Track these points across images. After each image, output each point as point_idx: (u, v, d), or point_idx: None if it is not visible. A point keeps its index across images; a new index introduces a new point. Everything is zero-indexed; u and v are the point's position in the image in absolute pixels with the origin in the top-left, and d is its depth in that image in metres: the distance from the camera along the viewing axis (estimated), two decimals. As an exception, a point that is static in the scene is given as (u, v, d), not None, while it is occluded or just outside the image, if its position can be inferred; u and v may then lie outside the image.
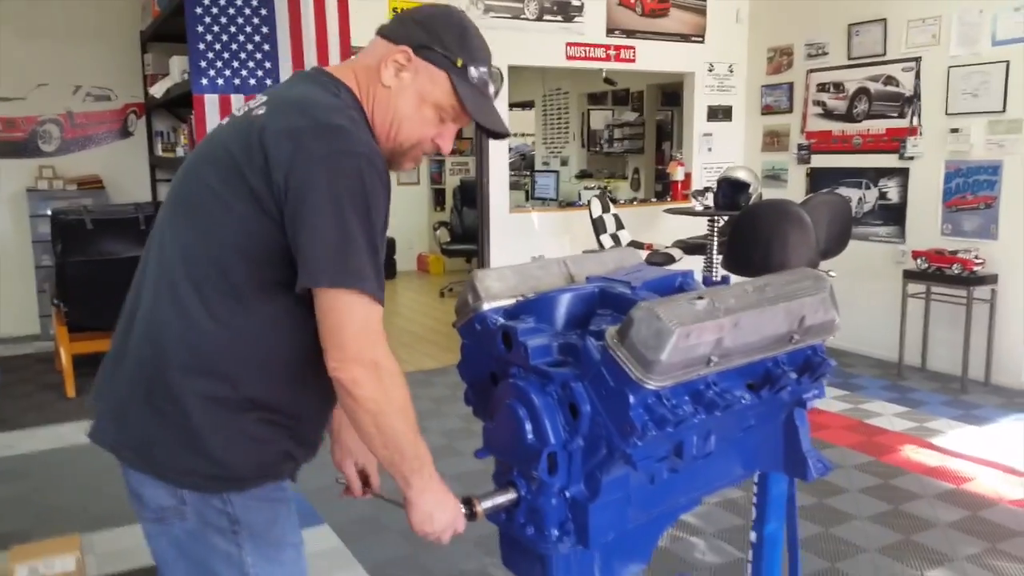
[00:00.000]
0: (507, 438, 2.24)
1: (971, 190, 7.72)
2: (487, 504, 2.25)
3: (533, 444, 2.16)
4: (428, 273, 13.75)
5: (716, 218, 7.71)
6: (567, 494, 2.19)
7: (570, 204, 10.22)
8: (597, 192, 9.66)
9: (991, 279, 7.60)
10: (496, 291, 2.45)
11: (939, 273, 7.70)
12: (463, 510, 2.18)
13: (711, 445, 2.25)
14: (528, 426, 2.16)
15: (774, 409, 2.53)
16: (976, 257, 7.48)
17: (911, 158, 8.25)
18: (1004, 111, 7.31)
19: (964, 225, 7.86)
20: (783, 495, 2.91)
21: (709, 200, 7.85)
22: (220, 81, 5.98)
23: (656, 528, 2.44)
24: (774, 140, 9.67)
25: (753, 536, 2.92)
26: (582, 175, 13.02)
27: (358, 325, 1.78)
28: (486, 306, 2.42)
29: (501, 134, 2.19)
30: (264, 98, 1.87)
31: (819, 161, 9.22)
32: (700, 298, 2.06)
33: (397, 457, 1.91)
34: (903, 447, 6.14)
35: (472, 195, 10.83)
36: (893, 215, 8.56)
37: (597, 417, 2.09)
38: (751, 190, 7.48)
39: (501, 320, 2.37)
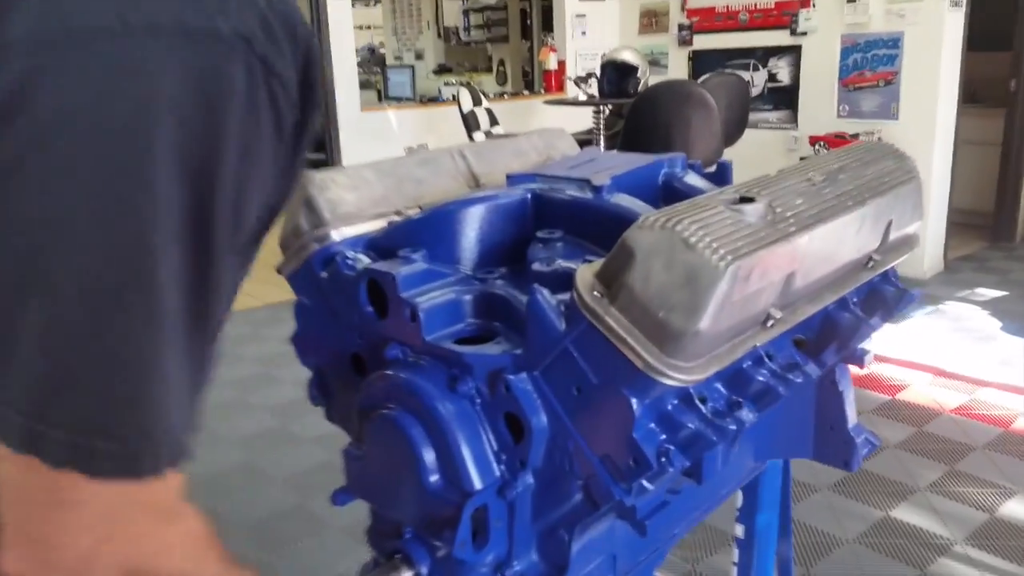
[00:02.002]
0: (390, 477, 1.22)
1: (870, 66, 7.09)
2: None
3: (440, 491, 1.15)
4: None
5: (601, 108, 6.76)
6: (508, 577, 1.21)
7: (432, 100, 9.00)
8: (463, 84, 8.50)
9: (896, 163, 7.03)
10: (351, 207, 1.38)
11: (836, 159, 7.09)
12: None
13: (737, 447, 1.32)
14: (429, 457, 1.15)
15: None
16: (878, 139, 6.90)
17: (804, 34, 7.53)
18: (905, -24, 6.64)
19: (863, 105, 7.25)
20: (779, 476, 2.05)
21: (593, 88, 6.87)
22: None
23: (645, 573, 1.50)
24: (652, 21, 8.72)
25: (740, 530, 2.06)
26: (441, 70, 11.73)
27: None
28: (335, 234, 1.35)
29: None
30: None
31: (702, 42, 8.37)
32: (745, 199, 1.07)
33: None
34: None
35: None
36: (785, 98, 7.88)
37: (561, 437, 1.10)
38: (639, 74, 6.56)
39: (364, 259, 1.31)
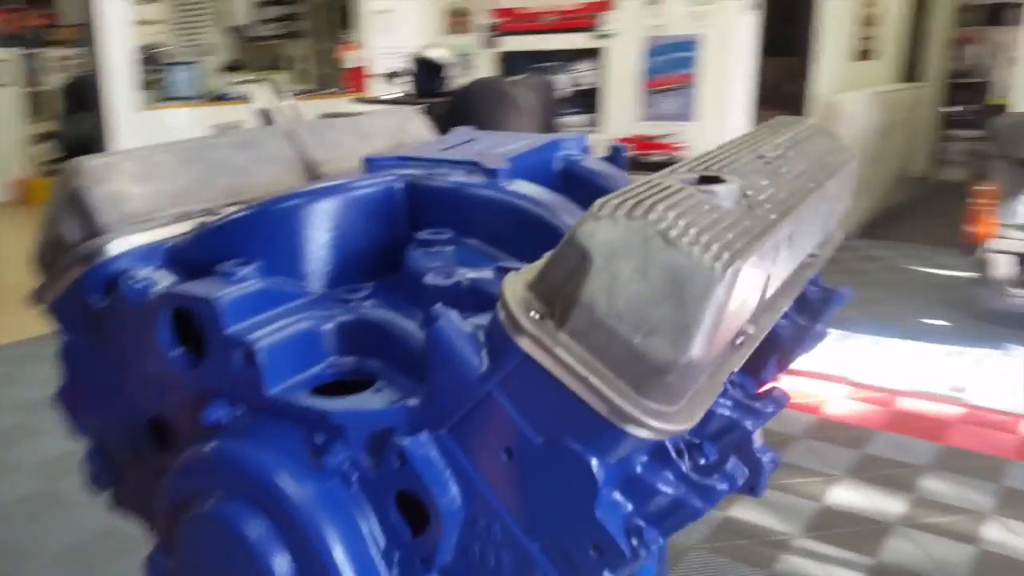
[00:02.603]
0: (223, 596, 0.83)
1: (669, 69, 7.24)
2: None
3: (303, 614, 0.78)
4: (30, 204, 10.69)
5: (415, 106, 6.42)
6: None
7: (220, 98, 8.26)
8: (260, 81, 7.85)
9: (696, 162, 7.23)
10: (141, 204, 0.98)
11: (641, 161, 7.20)
12: None
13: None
14: (281, 569, 0.78)
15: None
16: (677, 141, 7.05)
17: (607, 36, 7.58)
18: (693, -21, 6.83)
19: (663, 107, 7.39)
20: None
21: (406, 85, 6.52)
22: None
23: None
24: (459, 20, 8.50)
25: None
26: (231, 68, 10.88)
27: None
28: (117, 244, 0.94)
29: None
30: None
31: (508, 43, 8.25)
32: (708, 179, 0.79)
33: None
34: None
35: (88, 96, 8.39)
36: (590, 101, 7.90)
37: (484, 520, 0.77)
38: (450, 72, 6.28)
39: (164, 279, 0.92)
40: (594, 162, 1.15)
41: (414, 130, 1.39)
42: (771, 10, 7.50)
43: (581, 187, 1.06)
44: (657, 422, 0.66)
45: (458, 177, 0.98)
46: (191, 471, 0.81)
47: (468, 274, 0.83)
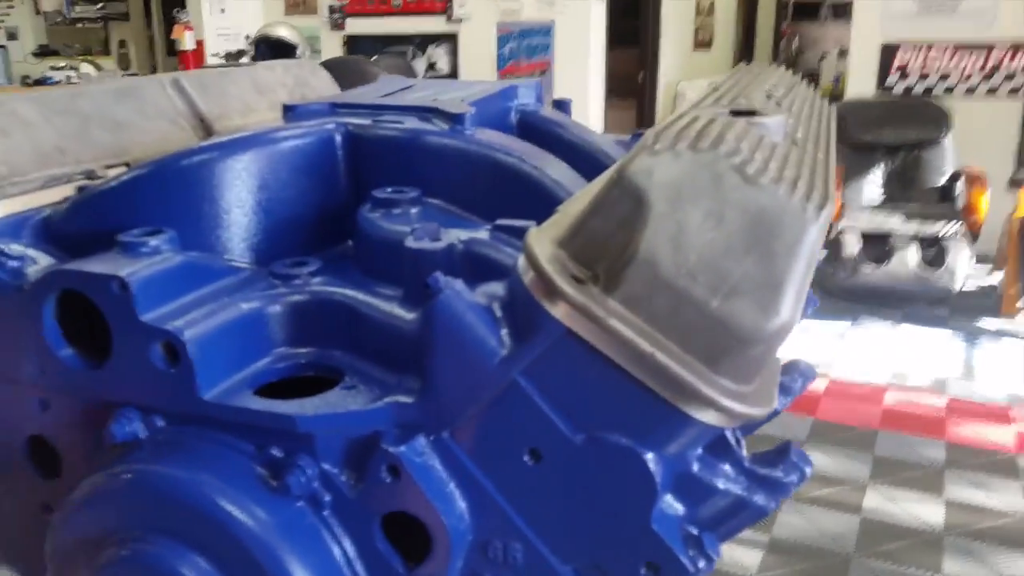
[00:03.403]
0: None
1: (525, 55, 7.19)
2: None
3: None
4: None
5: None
6: None
7: (40, 82, 7.44)
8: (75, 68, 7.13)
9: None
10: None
11: (498, 147, 7.10)
12: None
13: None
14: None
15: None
16: (535, 127, 7.01)
17: (460, 20, 7.43)
18: (553, -35, 6.80)
19: (519, 94, 7.34)
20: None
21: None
22: None
23: None
24: (300, 1, 8.09)
25: None
26: (44, 52, 9.86)
27: None
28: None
29: None
30: None
31: (356, 26, 7.92)
32: (744, 112, 0.66)
33: None
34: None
35: None
36: (443, 86, 7.74)
37: (499, 541, 0.61)
38: (299, 52, 5.93)
39: (40, 258, 0.70)
40: (552, 112, 1.01)
41: (319, 85, 1.20)
42: (614, 2, 7.60)
43: (541, 140, 0.91)
44: (737, 404, 0.53)
45: (412, 124, 0.81)
46: (98, 504, 0.61)
47: (460, 235, 0.67)
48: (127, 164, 0.85)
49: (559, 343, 0.55)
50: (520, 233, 0.67)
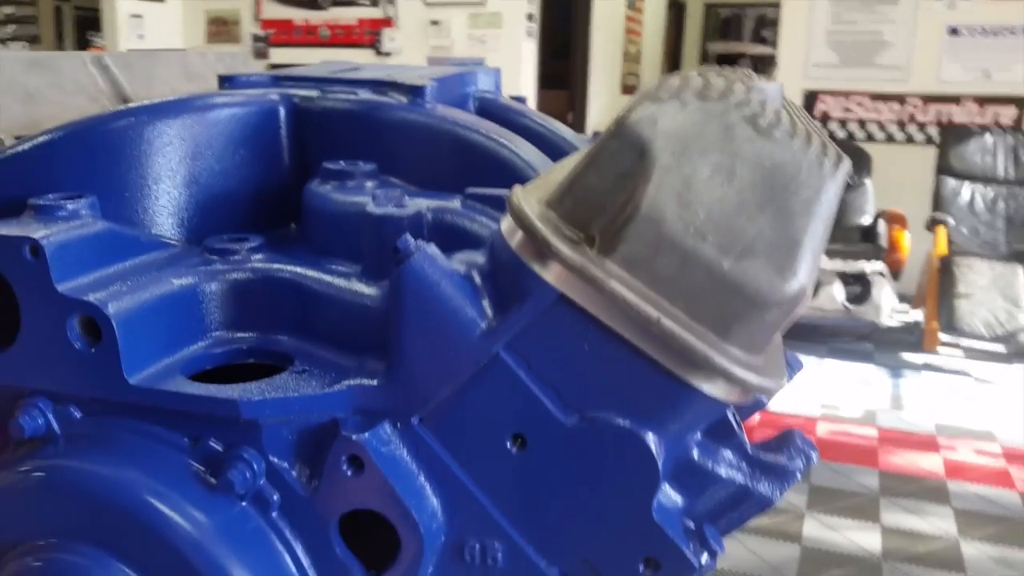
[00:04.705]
0: None
1: (454, 90, 7.19)
2: None
3: None
4: None
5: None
6: None
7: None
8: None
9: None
10: None
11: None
12: None
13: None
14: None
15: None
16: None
17: (388, 54, 7.40)
18: (485, 4, 6.86)
19: (448, 129, 7.33)
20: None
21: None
22: None
23: None
24: (222, 29, 7.93)
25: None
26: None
27: None
28: None
29: None
30: None
31: (280, 56, 7.80)
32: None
33: None
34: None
35: None
36: (372, 120, 7.68)
37: (475, 540, 0.53)
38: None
39: None
40: (513, 101, 0.95)
41: (242, 63, 1.11)
42: (545, 45, 7.70)
43: (504, 127, 0.85)
44: (751, 375, 0.47)
45: (365, 95, 0.74)
46: (2, 508, 0.51)
47: (428, 203, 0.60)
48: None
49: (550, 311, 0.48)
50: (495, 202, 0.61)
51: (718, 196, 0.47)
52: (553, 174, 0.55)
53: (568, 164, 0.54)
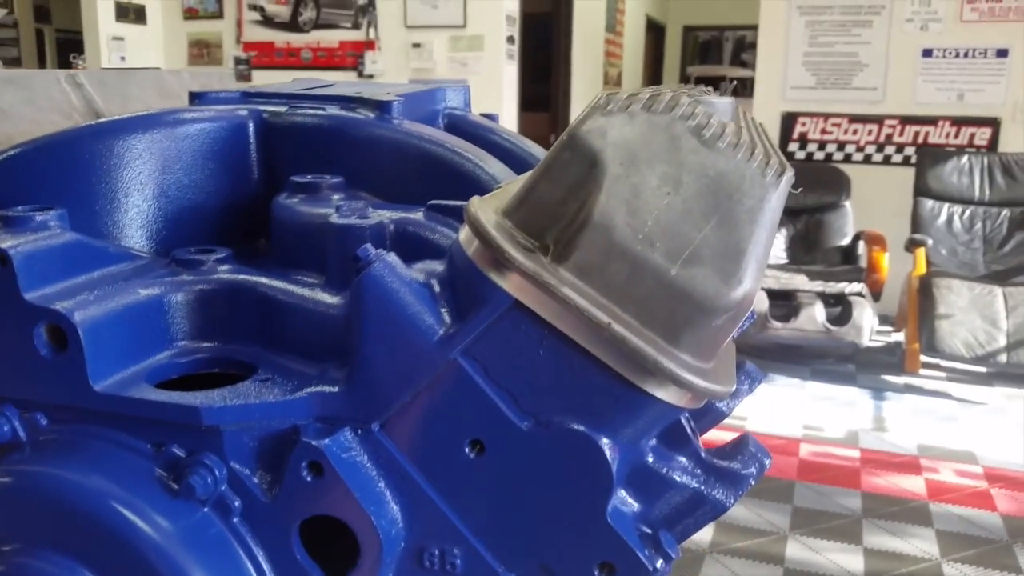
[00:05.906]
0: None
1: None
2: None
3: None
4: None
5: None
6: None
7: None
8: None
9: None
10: None
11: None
12: None
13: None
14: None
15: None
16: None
17: (371, 76, 7.45)
18: (465, 27, 6.92)
19: (432, 151, 7.36)
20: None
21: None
22: None
23: None
24: (203, 52, 7.95)
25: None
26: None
27: None
28: None
29: None
30: None
31: (263, 78, 7.85)
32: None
33: None
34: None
35: None
36: (356, 143, 7.70)
37: (434, 545, 0.54)
38: (206, 103, 5.80)
39: None
40: (482, 118, 0.97)
41: (223, 80, 1.13)
42: (525, 70, 7.77)
43: (473, 143, 0.87)
44: (700, 379, 0.49)
45: (334, 110, 0.76)
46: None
47: (390, 214, 0.61)
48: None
49: (505, 317, 0.49)
50: (456, 213, 0.62)
51: (665, 204, 0.49)
52: (512, 185, 0.56)
53: (525, 176, 0.55)
